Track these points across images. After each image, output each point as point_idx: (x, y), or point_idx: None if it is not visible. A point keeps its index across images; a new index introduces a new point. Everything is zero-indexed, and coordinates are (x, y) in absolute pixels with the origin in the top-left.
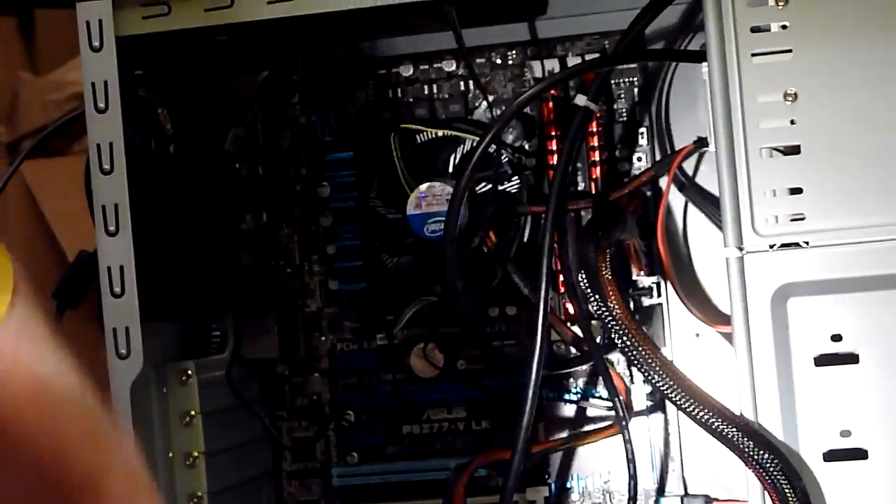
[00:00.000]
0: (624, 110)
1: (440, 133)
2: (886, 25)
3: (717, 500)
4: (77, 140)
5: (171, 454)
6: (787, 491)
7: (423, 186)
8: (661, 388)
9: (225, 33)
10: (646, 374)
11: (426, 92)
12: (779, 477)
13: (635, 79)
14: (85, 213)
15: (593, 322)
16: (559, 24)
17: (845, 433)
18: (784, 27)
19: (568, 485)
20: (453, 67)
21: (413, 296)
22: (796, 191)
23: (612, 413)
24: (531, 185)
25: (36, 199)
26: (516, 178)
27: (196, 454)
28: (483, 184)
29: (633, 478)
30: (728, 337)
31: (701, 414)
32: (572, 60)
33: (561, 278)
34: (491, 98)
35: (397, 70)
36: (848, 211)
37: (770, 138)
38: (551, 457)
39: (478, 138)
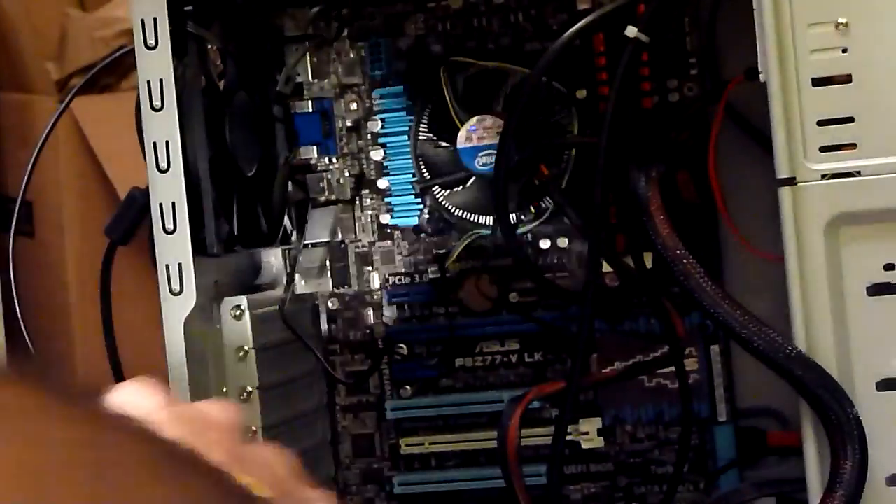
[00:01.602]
0: (674, 41)
1: (490, 66)
2: None
3: (771, 430)
4: (126, 77)
5: (224, 389)
6: (841, 420)
7: (474, 120)
8: (715, 317)
9: None
10: (699, 302)
11: (476, 24)
12: (833, 406)
13: (686, 8)
14: (135, 150)
15: (645, 253)
16: None
17: None
18: None
19: (621, 416)
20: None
21: (465, 229)
22: (848, 120)
23: (666, 344)
24: (582, 116)
25: (86, 136)
26: (567, 110)
27: (250, 389)
28: (534, 116)
29: (686, 409)
30: (781, 267)
31: (755, 341)
32: None
33: (613, 210)
34: (541, 30)
35: (446, 3)
36: None
37: (821, 68)
38: (604, 389)
39: (528, 71)
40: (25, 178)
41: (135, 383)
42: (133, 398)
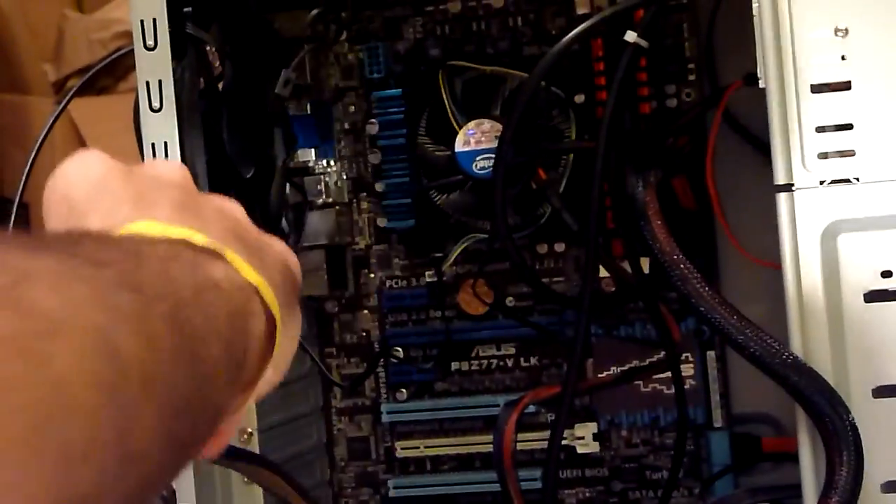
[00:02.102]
0: (673, 46)
1: (488, 70)
2: None
3: (766, 437)
4: (124, 78)
5: None
6: (836, 425)
7: (472, 123)
8: (712, 322)
9: None
10: (696, 307)
11: (474, 28)
12: (828, 411)
13: (684, 14)
14: (131, 152)
15: (642, 259)
16: None
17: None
18: None
19: (617, 421)
20: (501, 4)
21: (462, 233)
22: (846, 127)
23: (661, 350)
24: (579, 121)
25: (83, 137)
26: (565, 114)
27: None
28: (532, 120)
29: (682, 414)
30: (778, 274)
31: (751, 347)
32: None
33: (610, 215)
34: (539, 35)
35: (445, 7)
36: None
37: (820, 74)
38: (600, 393)
39: (526, 75)
40: (23, 179)
41: (85, 153)
42: (87, 165)
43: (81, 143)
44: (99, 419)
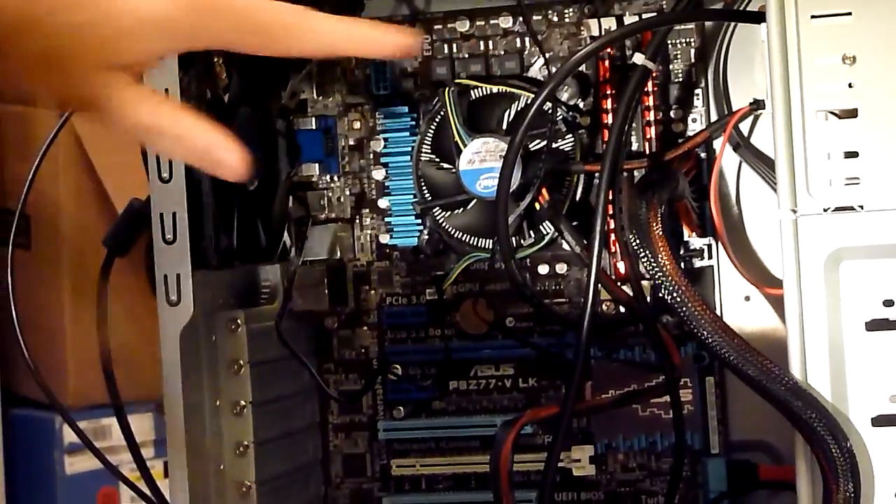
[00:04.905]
0: (680, 71)
1: (495, 89)
2: None
3: (763, 464)
4: None
5: (218, 403)
6: (834, 453)
7: (477, 142)
8: (711, 345)
9: None
10: (696, 330)
11: (482, 48)
12: (827, 438)
13: (692, 39)
14: (134, 165)
15: (644, 283)
16: None
17: (895, 398)
18: None
19: (614, 444)
20: (510, 24)
21: (464, 252)
22: (852, 154)
23: (661, 374)
24: (585, 143)
25: (86, 150)
26: (570, 136)
27: (243, 403)
28: (537, 141)
29: (679, 440)
30: (779, 300)
31: (751, 371)
32: (629, 20)
33: (613, 237)
34: (547, 55)
35: (453, 25)
36: None
37: (827, 101)
38: (598, 416)
39: (532, 95)
40: (24, 190)
41: None
42: None
43: (84, 156)
44: None
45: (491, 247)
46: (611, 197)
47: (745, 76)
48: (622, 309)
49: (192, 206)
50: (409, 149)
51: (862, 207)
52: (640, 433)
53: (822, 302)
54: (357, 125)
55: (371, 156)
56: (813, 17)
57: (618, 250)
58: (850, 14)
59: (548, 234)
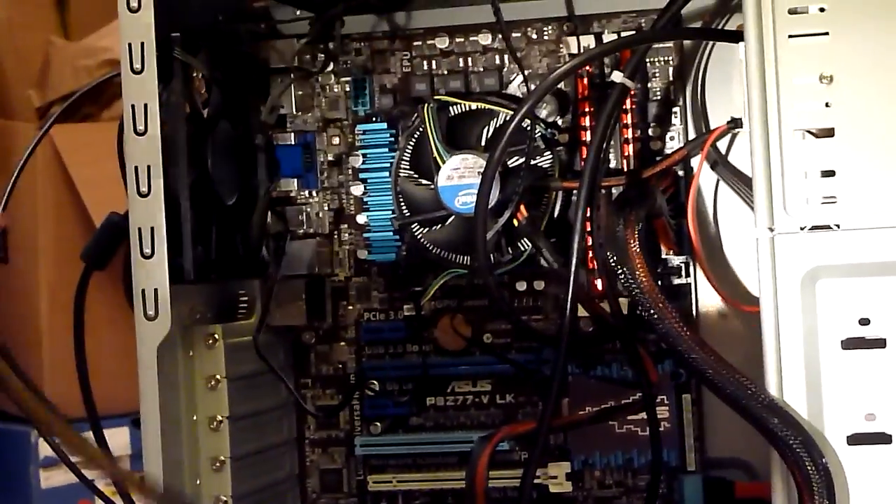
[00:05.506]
0: (658, 89)
1: (474, 106)
2: None
3: (739, 481)
4: (107, 106)
5: (195, 417)
6: (810, 470)
7: (456, 158)
8: (689, 362)
9: None
10: (673, 346)
11: (461, 64)
12: (802, 455)
13: (671, 58)
14: (113, 179)
15: (621, 299)
16: (596, 1)
17: (870, 417)
18: (822, 10)
19: (591, 461)
20: (489, 41)
21: (442, 267)
22: (829, 173)
23: (638, 391)
24: (563, 160)
25: (65, 163)
26: (549, 153)
27: (220, 418)
28: (515, 158)
29: (656, 456)
30: (756, 318)
31: (727, 388)
32: (608, 38)
33: (591, 254)
34: (526, 73)
35: (433, 41)
36: (880, 195)
37: (804, 120)
38: (574, 433)
39: (512, 112)
40: (2, 203)
41: None
42: None
43: (63, 170)
44: None
45: (469, 263)
46: (589, 214)
47: (723, 95)
48: (600, 326)
49: (170, 221)
50: (388, 165)
51: (839, 226)
52: (616, 450)
53: (798, 320)
54: (336, 141)
55: (350, 171)
56: (791, 36)
57: (595, 267)
58: (827, 34)
59: (526, 250)
